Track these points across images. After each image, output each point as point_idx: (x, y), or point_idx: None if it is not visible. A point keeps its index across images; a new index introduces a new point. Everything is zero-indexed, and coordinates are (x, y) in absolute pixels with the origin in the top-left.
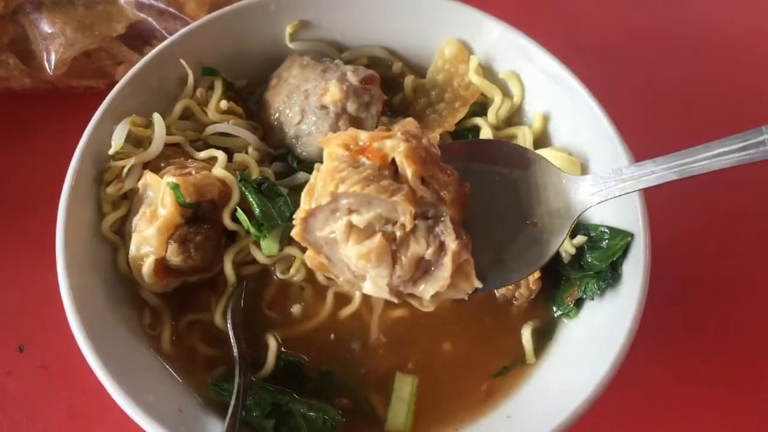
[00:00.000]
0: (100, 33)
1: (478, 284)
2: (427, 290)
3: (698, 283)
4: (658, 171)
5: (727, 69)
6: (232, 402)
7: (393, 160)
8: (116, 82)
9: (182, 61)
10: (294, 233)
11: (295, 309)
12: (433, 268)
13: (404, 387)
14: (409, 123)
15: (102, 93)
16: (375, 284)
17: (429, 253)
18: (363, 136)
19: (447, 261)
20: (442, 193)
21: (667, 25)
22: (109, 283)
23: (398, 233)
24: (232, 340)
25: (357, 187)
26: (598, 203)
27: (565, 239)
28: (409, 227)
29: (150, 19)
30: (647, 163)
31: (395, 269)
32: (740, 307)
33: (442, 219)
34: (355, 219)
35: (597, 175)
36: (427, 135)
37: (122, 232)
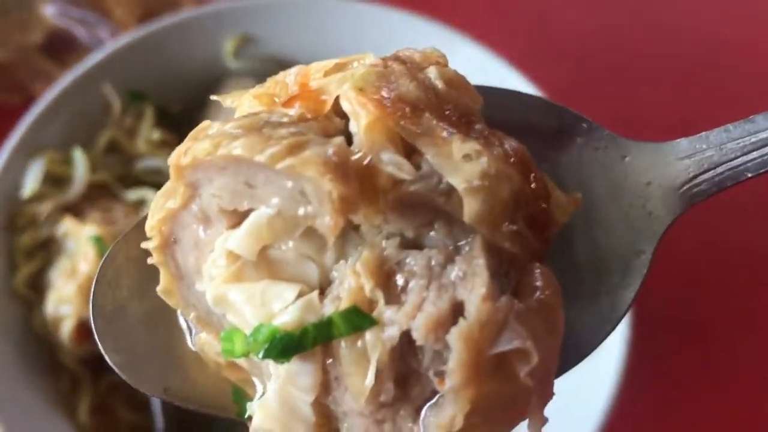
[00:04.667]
0: (15, 43)
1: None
2: (427, 427)
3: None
4: None
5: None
6: None
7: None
8: (34, 97)
9: (106, 88)
10: (160, 291)
11: None
12: (430, 370)
13: None
14: (430, 52)
15: (17, 109)
16: (284, 401)
17: (420, 330)
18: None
19: (455, 348)
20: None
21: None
22: (22, 346)
23: (339, 276)
24: (158, 409)
25: (214, 147)
26: (706, 198)
27: (644, 281)
28: (330, 237)
29: (73, 27)
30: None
31: (333, 368)
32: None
33: (464, 242)
34: (231, 239)
35: (694, 140)
36: (442, 66)
37: (38, 286)
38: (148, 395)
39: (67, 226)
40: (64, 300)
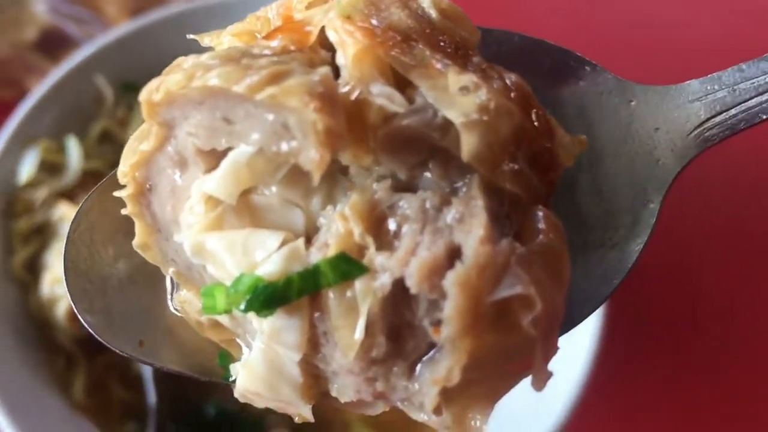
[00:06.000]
0: (9, 40)
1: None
2: (422, 388)
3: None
4: None
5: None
6: None
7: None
8: (27, 93)
9: (98, 78)
10: (136, 245)
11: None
12: (425, 320)
13: None
14: None
15: (11, 104)
16: (270, 361)
17: (414, 277)
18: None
19: (452, 294)
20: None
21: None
22: (19, 326)
23: (326, 222)
24: (150, 387)
25: (187, 79)
26: (718, 142)
27: (652, 231)
28: (316, 174)
29: (65, 24)
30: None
31: (321, 322)
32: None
33: (461, 183)
34: (208, 182)
35: (706, 80)
36: None
37: (34, 269)
38: (128, 357)
39: (62, 210)
40: (60, 280)
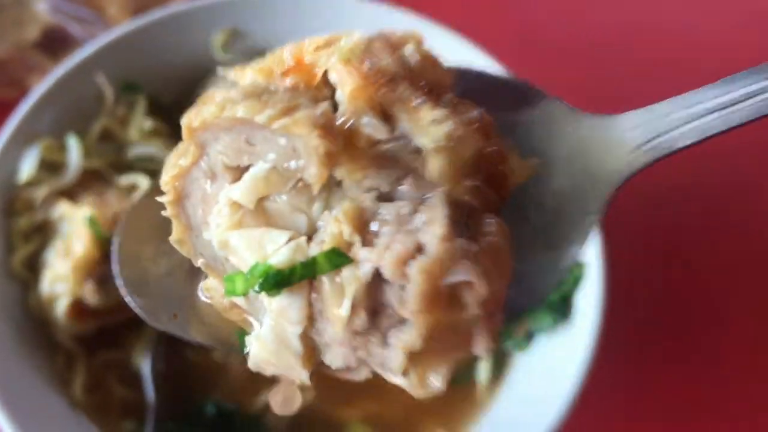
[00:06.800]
0: (11, 39)
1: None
2: (392, 353)
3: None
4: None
5: None
6: None
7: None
8: (28, 92)
9: (99, 77)
10: (172, 240)
11: None
12: (396, 300)
13: None
14: (410, 33)
15: (12, 103)
16: (277, 334)
17: (388, 267)
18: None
19: (414, 279)
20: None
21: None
22: (19, 324)
23: (324, 224)
24: (150, 385)
25: (219, 110)
26: (650, 163)
27: (588, 236)
28: (316, 186)
29: (67, 24)
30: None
31: (317, 302)
32: (703, 346)
33: (430, 195)
34: (233, 191)
35: (642, 111)
36: (418, 46)
37: (34, 267)
38: (157, 328)
39: (63, 209)
40: (59, 278)
